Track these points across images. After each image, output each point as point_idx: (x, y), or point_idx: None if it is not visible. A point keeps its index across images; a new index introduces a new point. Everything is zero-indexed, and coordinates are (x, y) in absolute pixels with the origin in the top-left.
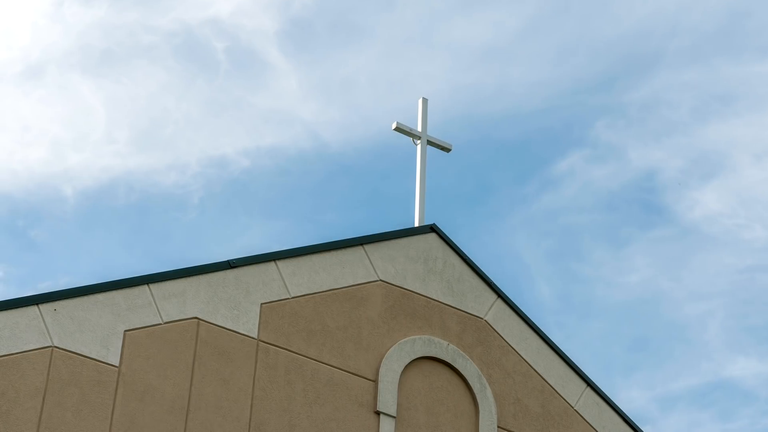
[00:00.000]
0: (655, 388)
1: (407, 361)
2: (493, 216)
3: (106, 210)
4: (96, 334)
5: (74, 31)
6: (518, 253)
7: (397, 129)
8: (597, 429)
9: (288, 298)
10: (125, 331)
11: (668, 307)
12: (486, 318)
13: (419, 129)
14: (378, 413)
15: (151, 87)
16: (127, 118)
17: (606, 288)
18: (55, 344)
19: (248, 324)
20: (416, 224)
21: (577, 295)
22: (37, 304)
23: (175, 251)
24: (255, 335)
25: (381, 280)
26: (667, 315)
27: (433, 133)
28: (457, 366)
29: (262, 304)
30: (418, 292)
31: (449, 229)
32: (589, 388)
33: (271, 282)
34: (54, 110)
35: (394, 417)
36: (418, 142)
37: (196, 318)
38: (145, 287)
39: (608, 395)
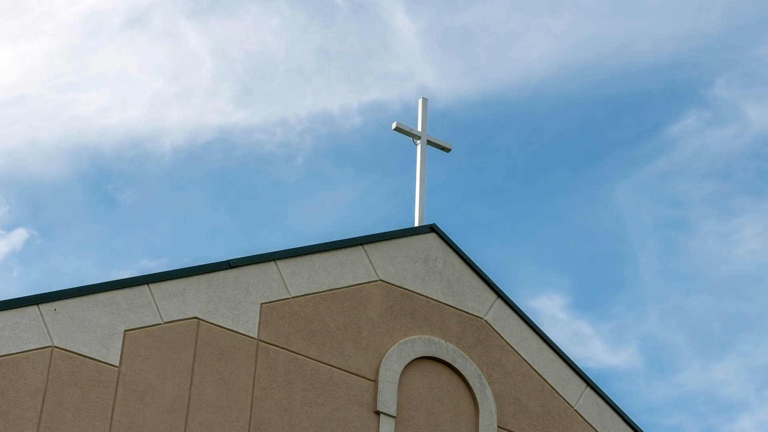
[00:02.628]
0: (752, 365)
1: (407, 361)
2: (601, 179)
3: (203, 172)
4: (96, 334)
5: None
6: (621, 220)
7: (397, 129)
8: (597, 429)
9: (288, 298)
10: (125, 331)
11: None
12: (486, 318)
13: (419, 129)
14: (378, 413)
15: (261, 34)
16: (234, 68)
17: (711, 260)
18: (55, 344)
19: (248, 324)
20: (416, 224)
21: (680, 267)
22: (37, 304)
23: (268, 215)
24: (255, 335)
25: (381, 280)
26: None
27: (548, 90)
28: (457, 366)
29: (262, 304)
30: (418, 292)
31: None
32: (589, 388)
33: (271, 282)
34: (157, 61)
35: (394, 417)
36: (418, 142)
37: (196, 318)
38: (145, 287)
39: (608, 395)
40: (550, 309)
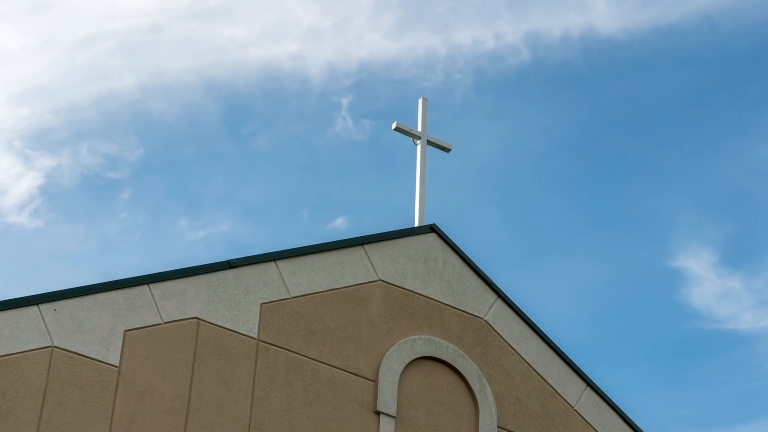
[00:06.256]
0: None
1: (407, 361)
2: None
3: (346, 114)
4: (96, 334)
5: None
6: (752, 186)
7: (397, 129)
8: (597, 429)
9: (288, 298)
10: (125, 331)
11: None
12: (486, 318)
13: (419, 129)
14: (378, 413)
15: None
16: None
17: None
18: (55, 344)
19: (248, 324)
20: (416, 224)
21: None
22: (37, 304)
23: (394, 167)
24: (255, 335)
25: (381, 280)
26: None
27: (723, 20)
28: (457, 366)
29: (262, 304)
30: (418, 292)
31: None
32: (589, 388)
33: (271, 282)
34: None
35: (394, 417)
36: (418, 142)
37: (196, 318)
38: (145, 287)
39: (608, 395)
40: (696, 267)
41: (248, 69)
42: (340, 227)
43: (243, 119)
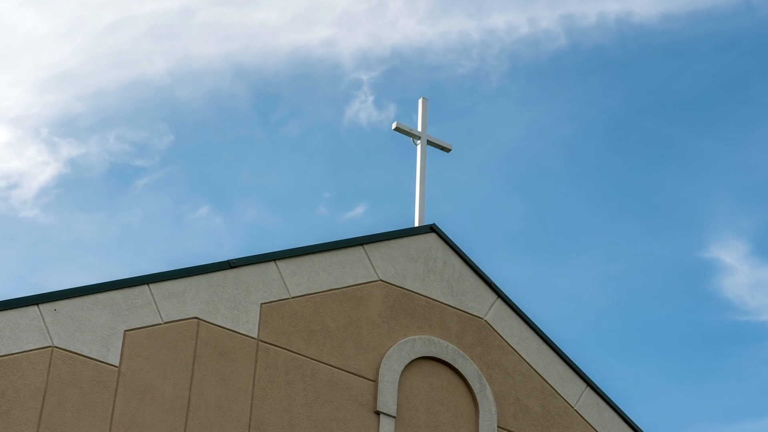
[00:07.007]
0: None
1: (407, 361)
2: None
3: (376, 97)
4: (96, 334)
5: None
6: None
7: (397, 129)
8: (597, 429)
9: (288, 298)
10: (125, 331)
11: None
12: (486, 318)
13: (419, 129)
14: (378, 413)
15: None
16: None
17: None
18: (55, 344)
19: (248, 324)
20: (416, 224)
21: None
22: (37, 304)
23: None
24: (255, 335)
25: (381, 280)
26: None
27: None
28: (457, 366)
29: (262, 304)
30: (418, 292)
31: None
32: (589, 388)
33: (271, 282)
34: None
35: (394, 417)
36: (418, 142)
37: (196, 318)
38: (145, 287)
39: (608, 395)
40: (728, 258)
41: (278, 55)
42: (362, 220)
43: (272, 106)
